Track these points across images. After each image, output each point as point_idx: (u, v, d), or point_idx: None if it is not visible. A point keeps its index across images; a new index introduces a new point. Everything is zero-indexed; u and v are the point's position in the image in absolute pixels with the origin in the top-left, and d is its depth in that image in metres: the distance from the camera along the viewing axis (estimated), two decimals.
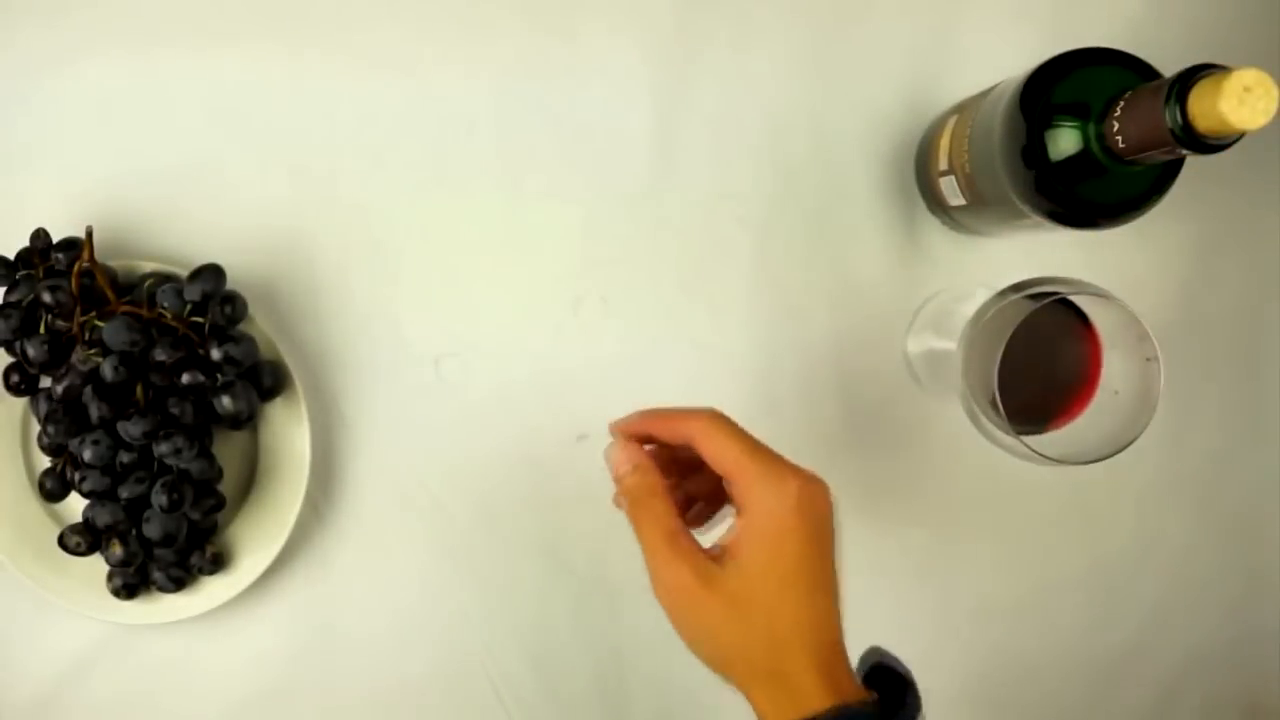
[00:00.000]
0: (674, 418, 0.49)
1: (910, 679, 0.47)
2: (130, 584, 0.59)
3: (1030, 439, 0.53)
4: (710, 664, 0.47)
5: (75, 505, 0.58)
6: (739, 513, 0.47)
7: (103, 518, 0.57)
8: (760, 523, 0.46)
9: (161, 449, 0.56)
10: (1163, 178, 0.51)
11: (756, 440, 0.48)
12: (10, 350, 0.58)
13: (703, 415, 0.48)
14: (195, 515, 0.58)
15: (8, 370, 0.58)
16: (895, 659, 0.48)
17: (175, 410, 0.56)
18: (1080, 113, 0.49)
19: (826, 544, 0.46)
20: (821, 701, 0.44)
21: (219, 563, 0.60)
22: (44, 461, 0.59)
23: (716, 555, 0.46)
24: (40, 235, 0.58)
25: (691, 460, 0.50)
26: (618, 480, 0.49)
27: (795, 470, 0.46)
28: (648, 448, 0.50)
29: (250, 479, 0.62)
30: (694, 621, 0.46)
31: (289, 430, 0.60)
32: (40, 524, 0.60)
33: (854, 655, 0.47)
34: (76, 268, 0.56)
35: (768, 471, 0.46)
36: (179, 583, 0.59)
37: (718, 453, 0.47)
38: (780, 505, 0.45)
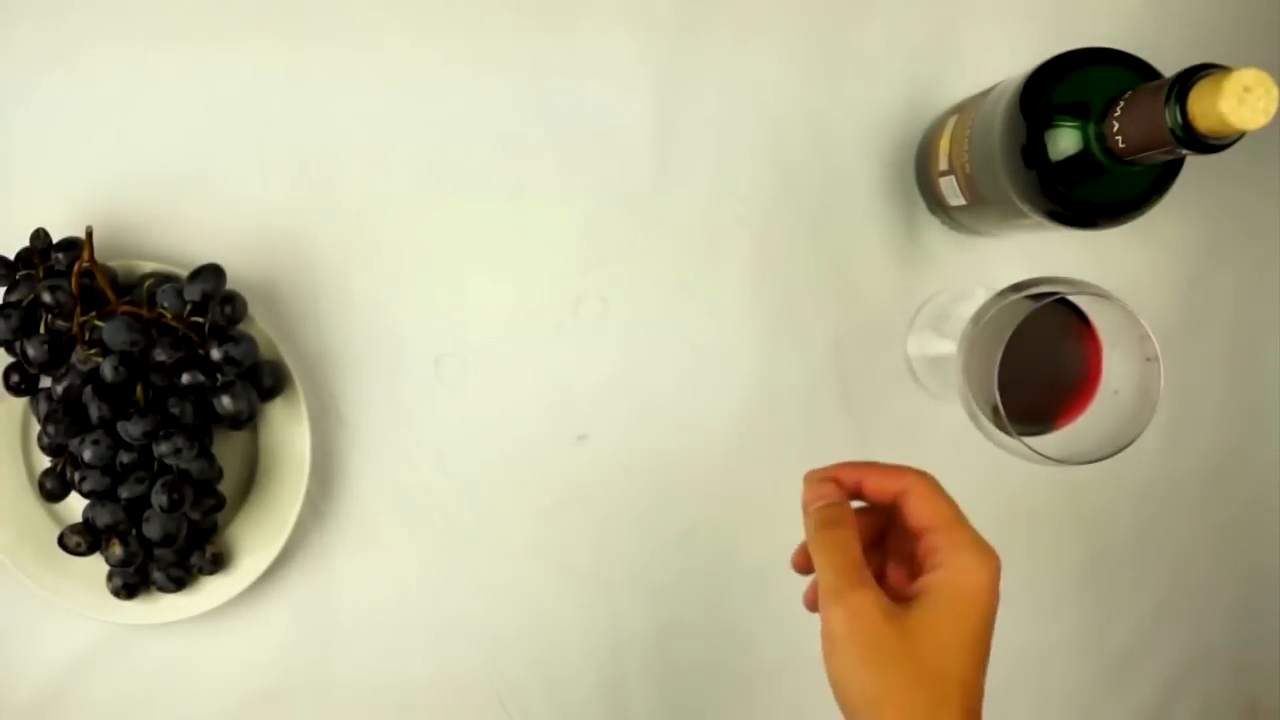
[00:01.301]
0: (888, 471, 0.49)
1: None
2: (130, 584, 0.59)
3: (1030, 439, 0.53)
4: (854, 696, 0.46)
5: (75, 505, 0.58)
6: (935, 569, 0.47)
7: (103, 518, 0.57)
8: (960, 584, 0.46)
9: (161, 449, 0.56)
10: (1163, 178, 0.51)
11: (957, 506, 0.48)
12: (10, 350, 0.58)
13: (922, 472, 0.49)
14: (195, 515, 0.58)
15: (8, 370, 0.58)
16: None
17: (175, 410, 0.56)
18: (1080, 113, 0.49)
19: (994, 623, 0.47)
20: None
21: (219, 563, 0.60)
22: (44, 461, 0.59)
23: (897, 597, 0.47)
24: (40, 235, 0.58)
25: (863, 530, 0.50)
26: (808, 511, 0.49)
27: (993, 549, 0.47)
28: None
29: (250, 479, 0.62)
30: (864, 651, 0.45)
31: (289, 430, 0.60)
32: (40, 524, 0.60)
33: None
34: (76, 268, 0.56)
35: (978, 541, 0.47)
36: (179, 583, 0.59)
37: (930, 508, 0.48)
38: (982, 574, 0.46)
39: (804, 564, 0.51)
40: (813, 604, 0.48)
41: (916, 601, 0.46)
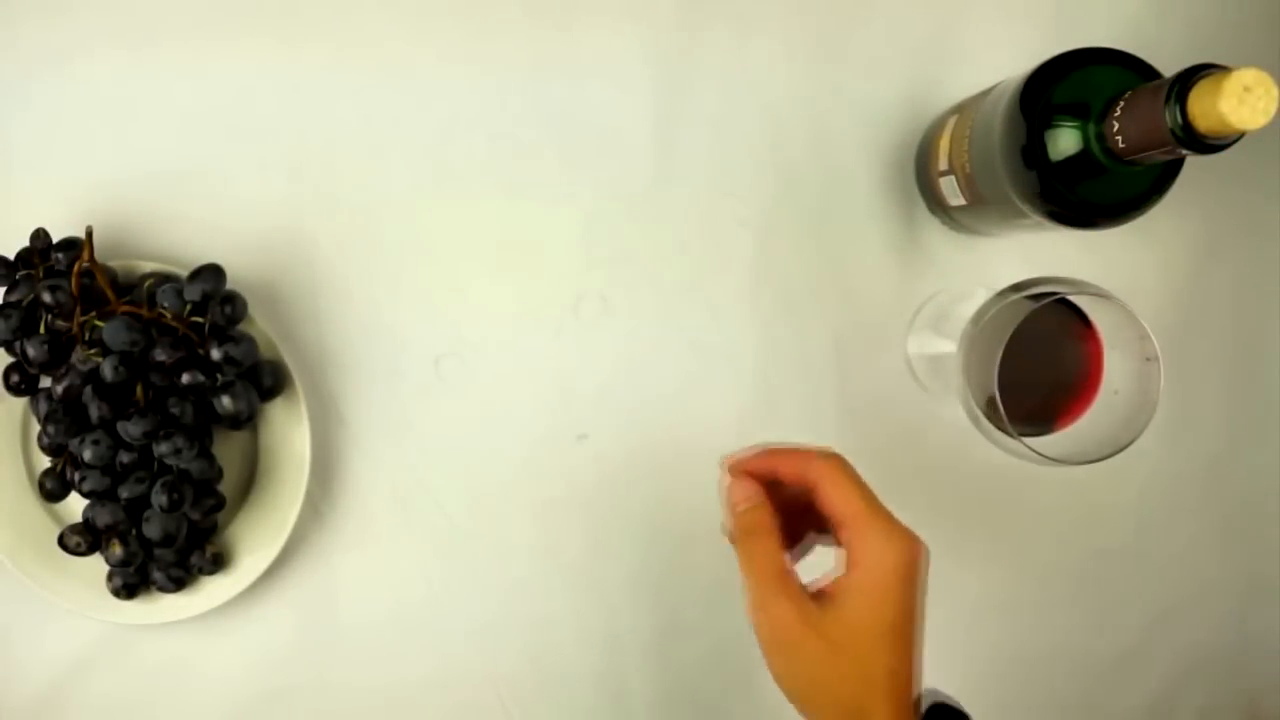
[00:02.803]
0: (798, 457, 0.51)
1: (969, 716, 0.49)
2: (130, 584, 0.59)
3: (1030, 439, 0.53)
4: (794, 698, 0.49)
5: (75, 505, 0.58)
6: (849, 561, 0.48)
7: (103, 518, 0.57)
8: (871, 576, 0.47)
9: (161, 449, 0.56)
10: (1163, 178, 0.51)
11: (873, 493, 0.49)
12: (10, 350, 0.58)
13: (829, 458, 0.50)
14: (195, 515, 0.58)
15: (8, 370, 0.58)
16: (951, 699, 0.50)
17: (175, 410, 0.56)
18: (1080, 113, 0.49)
19: (921, 603, 0.49)
20: None
21: (219, 563, 0.60)
22: (44, 461, 0.59)
23: (816, 597, 0.48)
24: (40, 235, 0.58)
25: (791, 499, 0.51)
26: (734, 513, 0.51)
27: (906, 530, 0.48)
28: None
29: (250, 479, 0.62)
30: (789, 656, 0.48)
31: (289, 430, 0.60)
32: (40, 524, 0.60)
33: None
34: (76, 268, 0.56)
35: (886, 529, 0.48)
36: (179, 583, 0.59)
37: (840, 499, 0.49)
38: (892, 563, 0.47)
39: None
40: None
41: (835, 601, 0.48)
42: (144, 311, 0.57)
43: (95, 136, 0.61)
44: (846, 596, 0.48)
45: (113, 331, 0.55)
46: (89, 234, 0.57)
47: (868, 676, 0.47)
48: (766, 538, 0.49)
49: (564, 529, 0.64)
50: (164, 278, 0.58)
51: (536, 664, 0.64)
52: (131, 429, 0.55)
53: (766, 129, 0.64)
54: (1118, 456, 0.53)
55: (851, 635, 0.47)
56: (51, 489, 0.58)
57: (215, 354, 0.57)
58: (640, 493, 0.64)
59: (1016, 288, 0.54)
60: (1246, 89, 0.41)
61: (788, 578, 0.48)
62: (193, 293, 0.57)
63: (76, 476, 0.56)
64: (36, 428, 0.58)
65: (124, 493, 0.56)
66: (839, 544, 0.49)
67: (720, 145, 0.64)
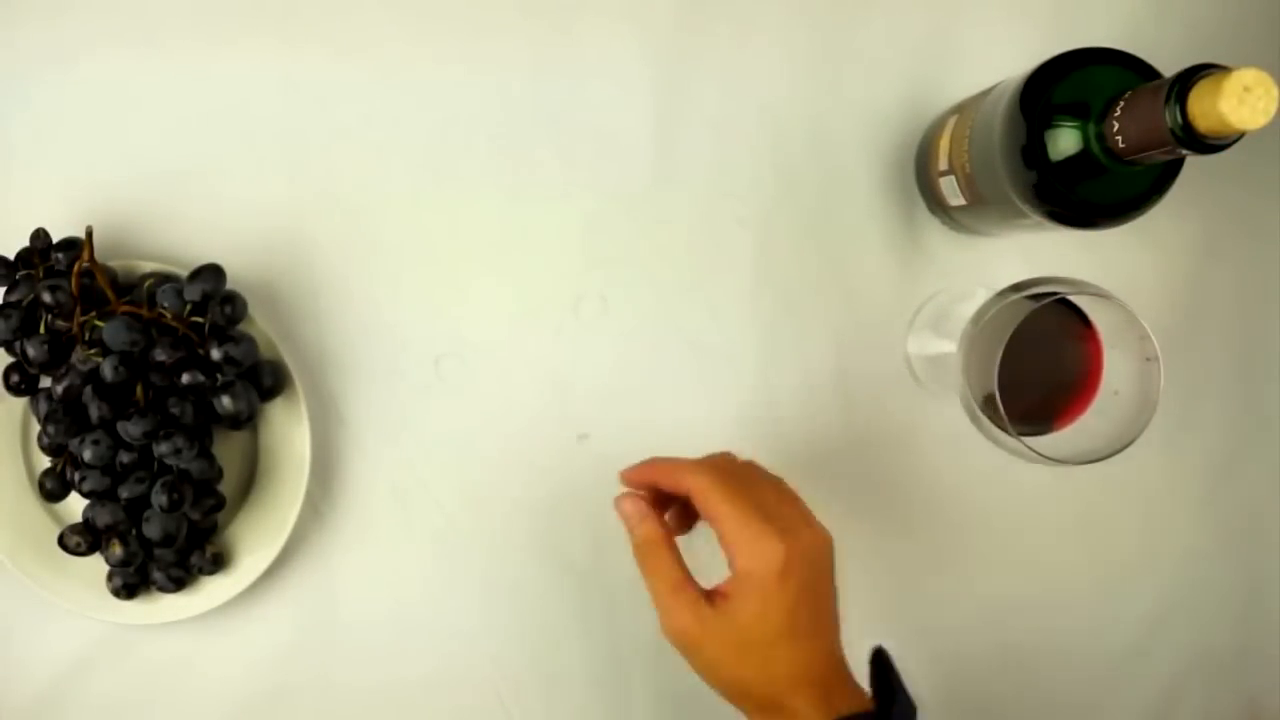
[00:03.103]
0: (675, 471, 0.54)
1: (896, 676, 0.51)
2: (130, 584, 0.59)
3: (1030, 439, 0.53)
4: (721, 694, 0.52)
5: (75, 505, 0.58)
6: (730, 567, 0.51)
7: (103, 518, 0.57)
8: (748, 583, 0.50)
9: (161, 449, 0.56)
10: (1163, 178, 0.51)
11: (751, 501, 0.51)
12: (10, 350, 0.58)
13: (702, 473, 0.53)
14: (195, 515, 0.58)
15: (8, 370, 0.58)
16: (888, 658, 0.52)
17: (175, 410, 0.56)
18: (1080, 113, 0.49)
19: (818, 592, 0.51)
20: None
21: (219, 563, 0.60)
22: (44, 461, 0.59)
23: (713, 597, 0.51)
24: (40, 235, 0.58)
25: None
26: (628, 529, 0.54)
27: (782, 533, 0.50)
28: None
29: (250, 479, 0.62)
30: (699, 660, 0.52)
31: (289, 430, 0.60)
32: (40, 524, 0.60)
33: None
34: (76, 268, 0.56)
35: (755, 538, 0.50)
36: (179, 583, 0.59)
37: (711, 515, 0.52)
38: (765, 570, 0.50)
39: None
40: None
41: (724, 602, 0.51)
42: (144, 311, 0.57)
43: (95, 136, 0.61)
44: (734, 601, 0.50)
45: (113, 331, 0.55)
46: (89, 234, 0.57)
47: (771, 673, 0.50)
48: (661, 551, 0.52)
49: (564, 529, 0.64)
50: (164, 278, 0.58)
51: (536, 664, 0.64)
52: (131, 429, 0.55)
53: (766, 129, 0.64)
54: (1118, 457, 0.53)
55: (744, 636, 0.50)
56: (51, 489, 0.58)
57: (215, 354, 0.57)
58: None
59: (1016, 288, 0.54)
60: (1246, 89, 0.41)
61: (683, 588, 0.51)
62: (193, 293, 0.57)
63: (76, 476, 0.56)
64: (36, 428, 0.58)
65: (124, 493, 0.56)
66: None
67: (720, 145, 0.64)
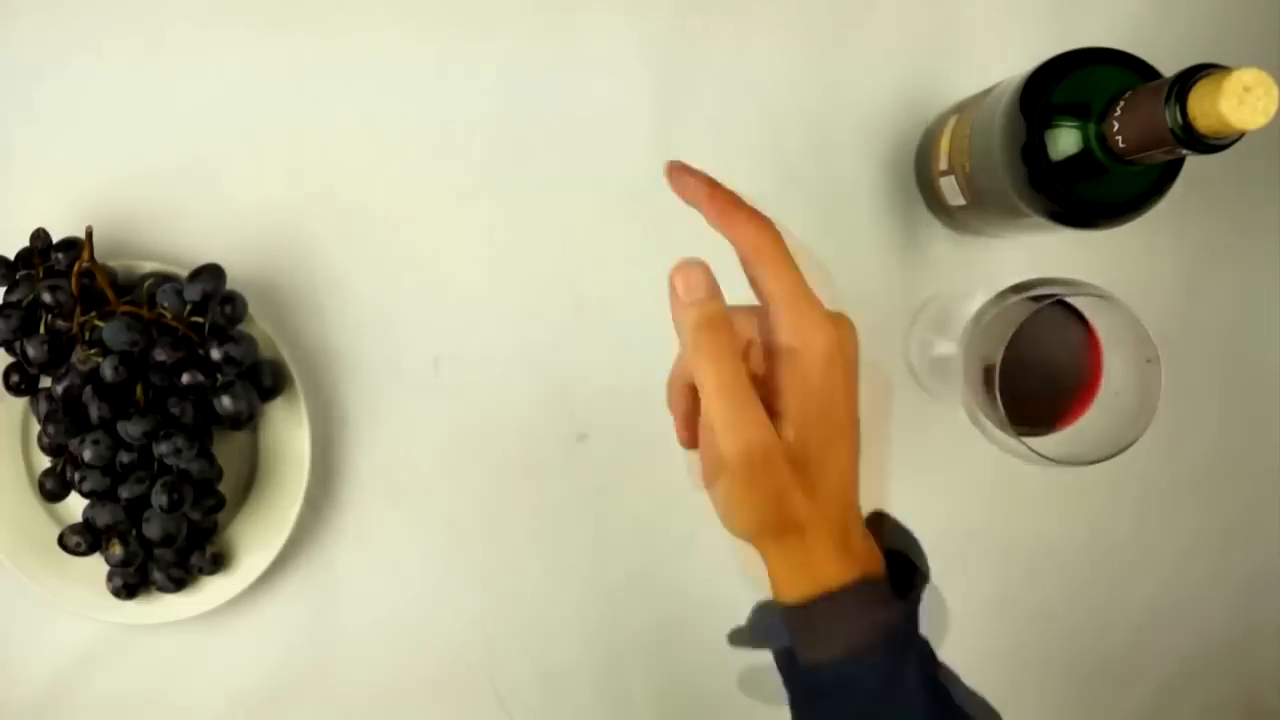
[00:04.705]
0: (735, 210, 0.44)
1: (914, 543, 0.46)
2: (130, 584, 0.59)
3: (1031, 440, 0.53)
4: (751, 525, 0.43)
5: (75, 505, 0.58)
6: (778, 351, 0.43)
7: (103, 518, 0.57)
8: (800, 371, 0.43)
9: (161, 449, 0.56)
10: (1163, 178, 0.51)
11: (796, 267, 0.44)
12: (10, 350, 0.58)
13: (765, 227, 0.44)
14: (195, 515, 0.58)
15: (8, 370, 0.58)
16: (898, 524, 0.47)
17: (175, 410, 0.56)
18: (1080, 113, 0.49)
19: (855, 395, 0.44)
20: (831, 570, 0.43)
21: (219, 563, 0.60)
22: (44, 461, 0.59)
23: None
24: (40, 235, 0.58)
25: None
26: (687, 306, 0.44)
27: (831, 316, 0.44)
28: None
29: (250, 479, 0.62)
30: (755, 482, 0.42)
31: (289, 430, 0.60)
32: (40, 524, 0.60)
33: None
34: (76, 268, 0.56)
35: (810, 314, 0.43)
36: (179, 583, 0.59)
37: (773, 283, 0.43)
38: (815, 353, 0.42)
39: (691, 436, 0.48)
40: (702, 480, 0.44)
41: (779, 406, 0.42)
42: (144, 311, 0.57)
43: (95, 136, 0.61)
44: (787, 395, 0.43)
45: (113, 331, 0.55)
46: (89, 234, 0.57)
47: (817, 487, 0.43)
48: (728, 338, 0.42)
49: (564, 529, 0.64)
50: (164, 278, 0.58)
51: (536, 664, 0.64)
52: (131, 429, 0.55)
53: (766, 129, 0.64)
54: (1118, 458, 0.53)
55: (804, 439, 0.42)
56: (51, 489, 0.58)
57: (215, 354, 0.57)
58: (640, 493, 0.64)
59: (1016, 289, 0.54)
60: (1246, 89, 0.41)
61: (755, 395, 0.42)
62: (193, 293, 0.57)
63: (76, 476, 0.56)
64: (36, 428, 0.58)
65: (124, 493, 0.56)
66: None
67: (720, 145, 0.64)
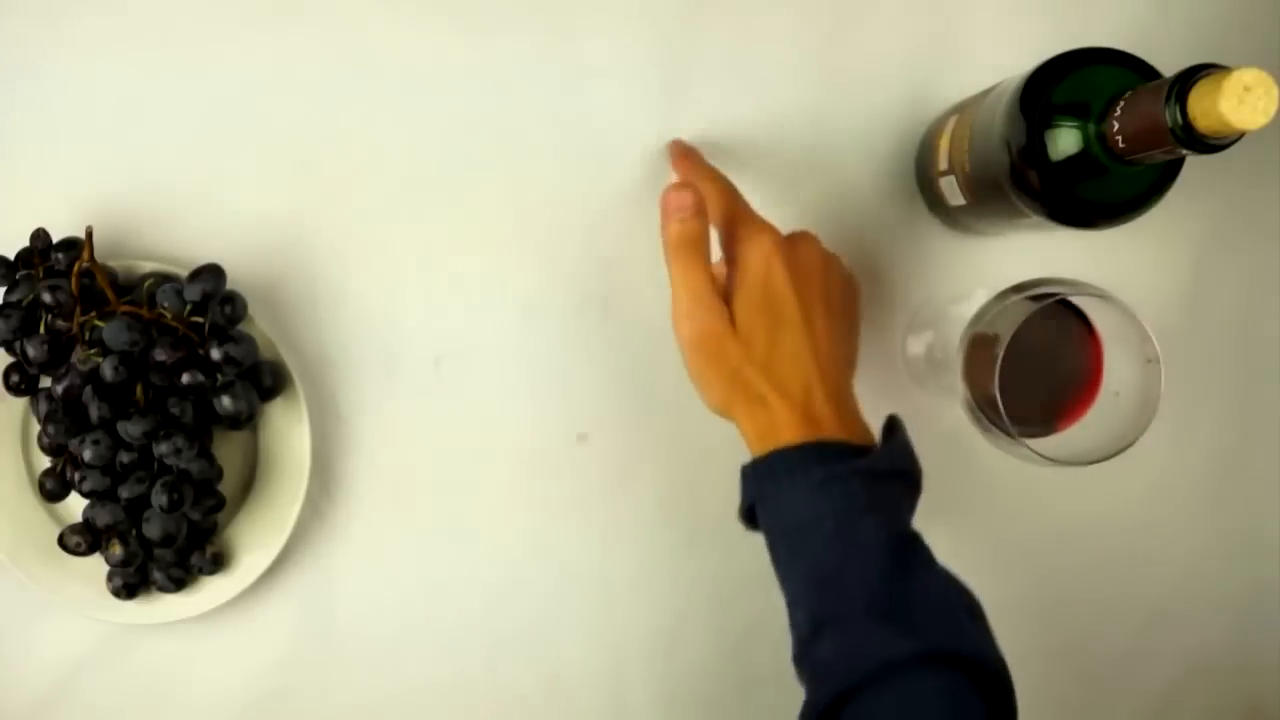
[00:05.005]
0: (696, 170, 0.58)
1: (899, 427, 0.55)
2: (130, 584, 0.59)
3: (1031, 440, 0.53)
4: (718, 400, 0.54)
5: (75, 505, 0.58)
6: (730, 262, 0.55)
7: (103, 518, 0.57)
8: (742, 275, 0.54)
9: (161, 449, 0.56)
10: (1163, 178, 0.51)
11: (746, 204, 0.57)
12: (10, 350, 0.58)
13: (715, 179, 0.57)
14: (195, 515, 0.58)
15: (8, 370, 0.58)
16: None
17: (175, 410, 0.56)
18: (1080, 113, 0.49)
19: (806, 289, 0.54)
20: (792, 433, 0.52)
21: (219, 563, 0.60)
22: (44, 461, 0.59)
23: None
24: (40, 235, 0.58)
25: None
26: (673, 223, 0.55)
27: (779, 234, 0.55)
28: None
29: (250, 479, 0.62)
30: (712, 356, 0.54)
31: (289, 430, 0.60)
32: (40, 524, 0.60)
33: None
34: (76, 268, 0.56)
35: (754, 232, 0.55)
36: (179, 583, 0.59)
37: (721, 206, 0.56)
38: (757, 256, 0.54)
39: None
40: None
41: (728, 300, 0.54)
42: (144, 311, 0.57)
43: (95, 136, 0.61)
44: (734, 296, 0.54)
45: (113, 331, 0.55)
46: (89, 234, 0.57)
47: (766, 360, 0.53)
48: (701, 249, 0.54)
49: (564, 529, 0.64)
50: (164, 278, 0.58)
51: (536, 664, 0.64)
52: (131, 429, 0.55)
53: (766, 129, 0.64)
54: (1118, 458, 0.53)
55: (749, 328, 0.53)
56: (51, 489, 0.58)
57: (215, 354, 0.57)
58: (641, 493, 0.64)
59: (1017, 288, 0.54)
60: (1246, 89, 0.41)
61: (714, 289, 0.54)
62: (193, 293, 0.57)
63: (76, 476, 0.57)
64: (36, 428, 0.58)
65: (124, 493, 0.56)
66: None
67: (721, 145, 0.64)
